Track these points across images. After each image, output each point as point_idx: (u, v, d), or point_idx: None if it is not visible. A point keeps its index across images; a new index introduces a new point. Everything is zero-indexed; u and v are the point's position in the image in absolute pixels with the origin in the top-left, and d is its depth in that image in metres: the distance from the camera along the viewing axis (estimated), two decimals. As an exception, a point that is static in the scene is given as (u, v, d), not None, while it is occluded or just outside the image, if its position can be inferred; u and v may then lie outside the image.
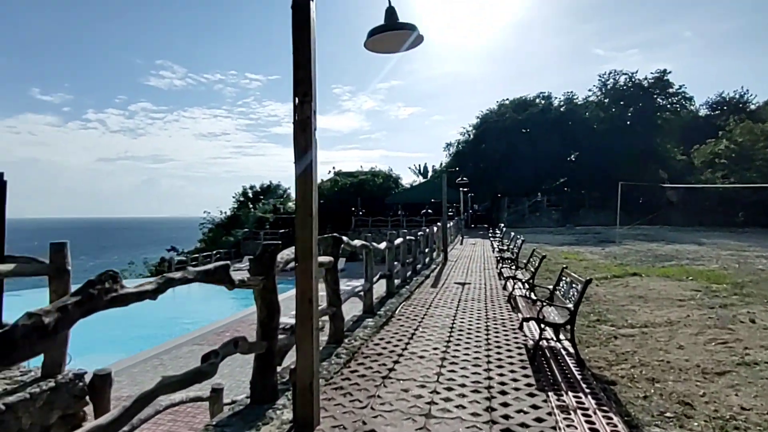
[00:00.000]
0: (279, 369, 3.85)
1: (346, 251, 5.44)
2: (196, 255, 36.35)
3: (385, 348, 4.78)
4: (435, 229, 14.66)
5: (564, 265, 5.71)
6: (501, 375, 3.93)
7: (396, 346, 4.87)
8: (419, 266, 11.79)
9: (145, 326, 18.48)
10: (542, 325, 4.25)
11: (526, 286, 7.11)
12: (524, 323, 5.51)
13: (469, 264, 13.47)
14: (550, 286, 5.67)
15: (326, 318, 4.69)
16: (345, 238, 4.99)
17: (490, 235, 23.03)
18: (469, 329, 5.62)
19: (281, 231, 40.33)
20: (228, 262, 2.91)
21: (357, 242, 5.86)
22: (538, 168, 41.01)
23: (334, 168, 45.84)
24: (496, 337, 5.24)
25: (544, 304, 4.42)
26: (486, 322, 5.97)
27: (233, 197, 51.48)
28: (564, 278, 5.19)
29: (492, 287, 9.03)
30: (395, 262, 8.54)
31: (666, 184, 34.85)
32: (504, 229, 19.44)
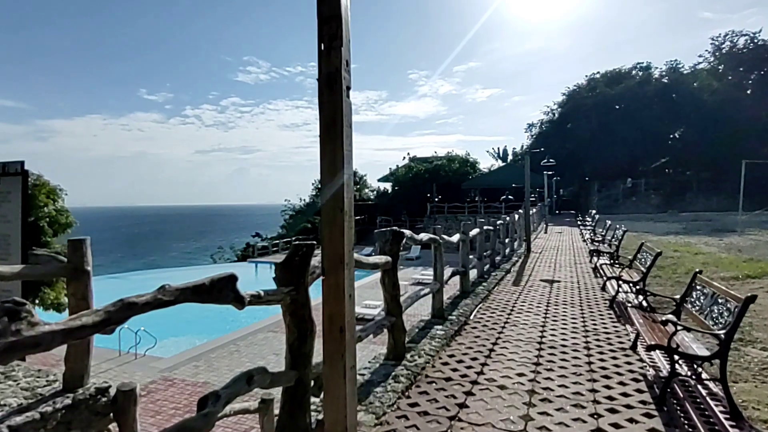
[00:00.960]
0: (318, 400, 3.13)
1: (409, 245, 4.56)
2: (277, 241, 37.72)
3: (455, 370, 3.85)
4: (516, 216, 13.27)
5: (695, 268, 4.33)
6: (617, 427, 2.83)
7: (469, 367, 3.91)
8: (498, 258, 10.58)
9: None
10: (676, 357, 3.04)
11: (634, 289, 5.73)
12: (639, 341, 4.26)
13: (556, 256, 11.95)
14: (676, 296, 4.34)
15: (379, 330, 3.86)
16: (408, 232, 4.10)
17: (578, 222, 20.84)
18: (563, 346, 4.48)
19: (357, 218, 40.57)
20: (234, 272, 2.16)
21: (423, 236, 4.95)
22: (634, 148, 36.80)
23: (408, 154, 45.01)
24: (601, 359, 4.06)
25: (677, 326, 3.18)
26: (585, 336, 4.78)
27: (312, 184, 52.76)
28: (699, 287, 3.86)
29: (587, 287, 7.65)
30: (470, 256, 7.51)
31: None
32: (596, 216, 17.34)
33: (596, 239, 12.20)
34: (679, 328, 3.14)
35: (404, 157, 44.52)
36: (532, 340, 4.68)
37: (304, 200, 49.27)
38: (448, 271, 6.14)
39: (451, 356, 4.18)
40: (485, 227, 8.76)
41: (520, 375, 3.72)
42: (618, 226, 10.57)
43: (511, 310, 6.00)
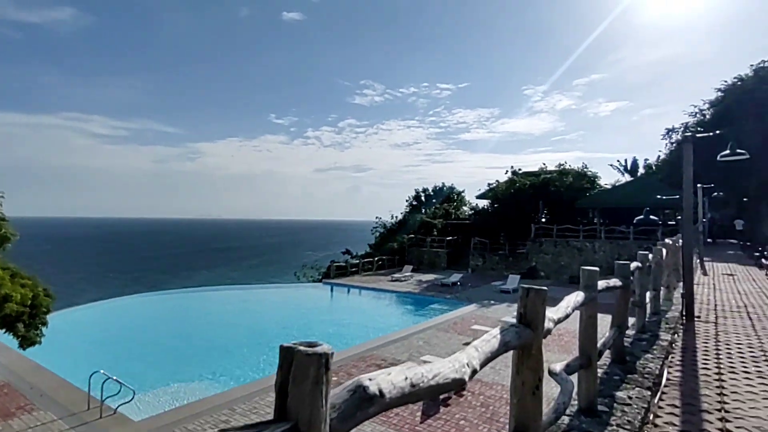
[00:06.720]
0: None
1: None
2: (356, 261, 34.55)
3: None
4: (664, 252, 7.71)
5: None
6: None
7: None
8: (629, 339, 5.44)
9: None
10: None
11: None
12: None
13: (758, 337, 6.18)
14: None
15: None
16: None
17: (766, 261, 13.63)
18: None
19: (449, 238, 35.77)
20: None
21: None
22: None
23: (512, 167, 38.85)
24: None
25: None
26: None
27: (406, 201, 49.29)
28: None
29: None
30: (560, 367, 2.80)
31: None
32: None
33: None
34: None
35: (507, 171, 38.51)
36: None
37: (396, 217, 45.88)
38: None
39: None
40: (608, 282, 3.85)
41: None
42: None
43: None
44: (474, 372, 1.67)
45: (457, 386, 1.57)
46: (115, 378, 9.80)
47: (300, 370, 0.98)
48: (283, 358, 1.01)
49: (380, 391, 1.17)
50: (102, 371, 10.01)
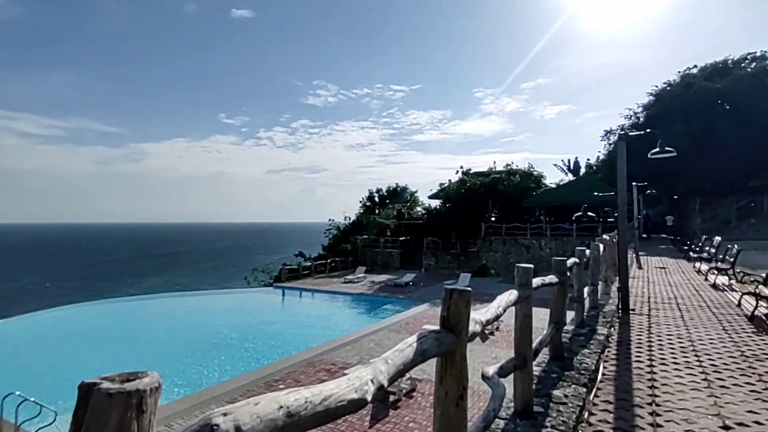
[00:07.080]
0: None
1: None
2: (308, 264, 33.90)
3: None
4: (602, 248, 7.95)
5: None
6: None
7: None
8: (567, 335, 5.50)
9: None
10: None
11: None
12: None
13: (687, 328, 6.44)
14: None
15: None
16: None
17: (693, 254, 14.54)
18: None
19: (402, 239, 35.88)
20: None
21: None
22: (750, 155, 29.04)
23: (462, 167, 39.61)
24: None
25: None
26: None
27: (360, 202, 49.07)
28: None
29: None
30: (492, 370, 2.68)
31: None
32: (734, 247, 11.11)
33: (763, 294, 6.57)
34: None
35: (457, 171, 39.19)
36: None
37: (350, 218, 45.52)
38: None
39: None
40: (541, 281, 3.81)
41: None
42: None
43: None
44: (380, 388, 1.46)
45: (357, 408, 1.35)
46: (33, 399, 8.90)
47: (96, 416, 0.72)
48: (80, 399, 0.75)
49: (237, 429, 0.93)
50: (18, 392, 9.06)
